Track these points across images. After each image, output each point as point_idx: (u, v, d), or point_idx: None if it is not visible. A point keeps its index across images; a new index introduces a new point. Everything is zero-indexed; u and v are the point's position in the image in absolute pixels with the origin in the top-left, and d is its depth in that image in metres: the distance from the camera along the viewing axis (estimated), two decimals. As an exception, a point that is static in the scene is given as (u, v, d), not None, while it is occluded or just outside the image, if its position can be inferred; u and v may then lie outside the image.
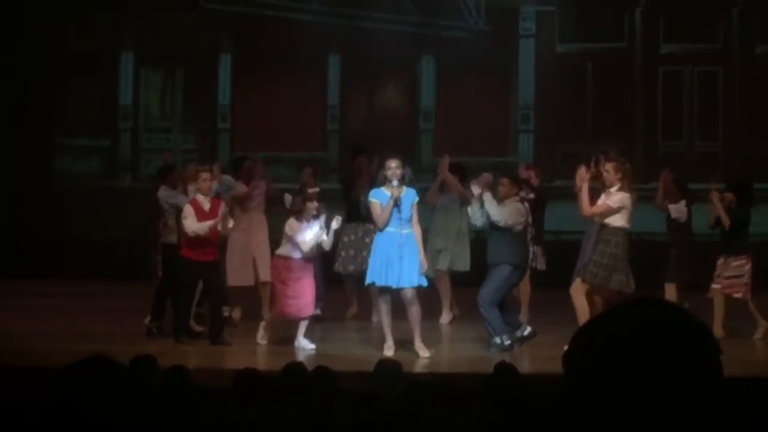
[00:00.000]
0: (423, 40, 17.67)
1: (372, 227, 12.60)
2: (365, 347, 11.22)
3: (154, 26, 17.79)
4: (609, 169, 11.09)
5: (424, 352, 10.75)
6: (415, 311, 10.76)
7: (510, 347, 11.02)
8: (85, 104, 17.87)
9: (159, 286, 11.95)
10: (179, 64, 18.06)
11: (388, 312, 10.84)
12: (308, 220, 11.24)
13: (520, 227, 11.24)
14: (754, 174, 13.29)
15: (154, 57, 18.05)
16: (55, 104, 17.81)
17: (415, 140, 17.42)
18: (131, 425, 2.79)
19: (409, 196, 10.84)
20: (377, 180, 11.26)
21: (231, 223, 11.61)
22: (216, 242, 11.52)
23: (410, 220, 10.80)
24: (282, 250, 11.40)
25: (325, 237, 11.28)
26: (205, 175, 11.56)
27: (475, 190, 11.16)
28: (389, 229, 10.78)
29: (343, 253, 13.05)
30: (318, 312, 12.50)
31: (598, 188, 11.65)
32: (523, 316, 12.80)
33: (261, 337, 11.43)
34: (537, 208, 12.36)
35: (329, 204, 12.54)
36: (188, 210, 11.38)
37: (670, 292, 11.80)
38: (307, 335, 11.28)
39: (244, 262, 12.69)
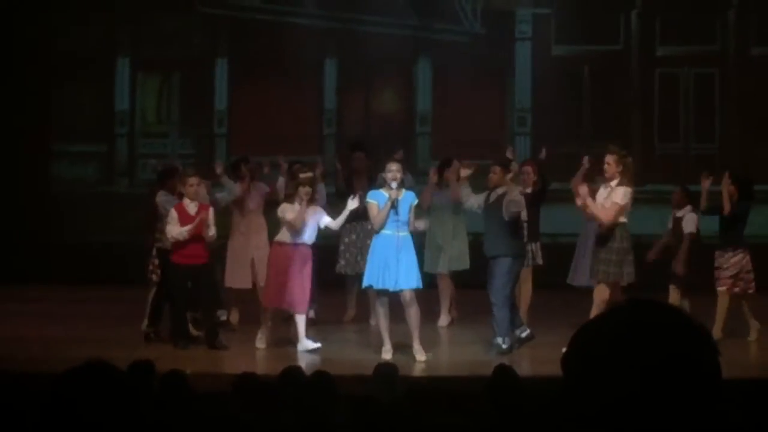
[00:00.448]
0: (419, 43, 17.68)
1: (370, 227, 12.61)
2: (363, 351, 11.22)
3: (150, 31, 17.79)
4: (610, 162, 11.04)
5: (421, 356, 10.74)
6: (413, 313, 10.75)
7: (509, 350, 11.03)
8: (82, 110, 17.86)
9: (156, 290, 11.95)
10: (175, 69, 18.06)
11: (386, 315, 10.84)
12: (301, 204, 11.20)
13: (522, 216, 11.37)
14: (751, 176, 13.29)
15: (151, 62, 18.05)
16: (52, 110, 17.80)
17: (412, 143, 17.42)
18: (129, 431, 2.78)
19: (407, 198, 10.85)
20: (377, 181, 11.23)
21: (212, 231, 11.46)
22: (204, 246, 11.47)
23: (407, 222, 10.81)
24: (280, 236, 11.40)
25: (327, 220, 11.24)
26: (192, 180, 11.54)
27: (464, 172, 11.26)
28: (386, 231, 10.80)
29: (347, 255, 13.02)
30: (311, 315, 12.53)
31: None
32: (522, 317, 12.81)
33: (259, 341, 11.42)
34: (533, 204, 12.35)
35: (329, 208, 12.54)
36: (172, 215, 11.40)
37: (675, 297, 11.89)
38: (309, 335, 11.27)
39: (242, 265, 12.68)
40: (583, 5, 17.40)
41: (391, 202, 10.70)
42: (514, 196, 11.15)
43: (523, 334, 11.27)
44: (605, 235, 10.98)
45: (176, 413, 6.17)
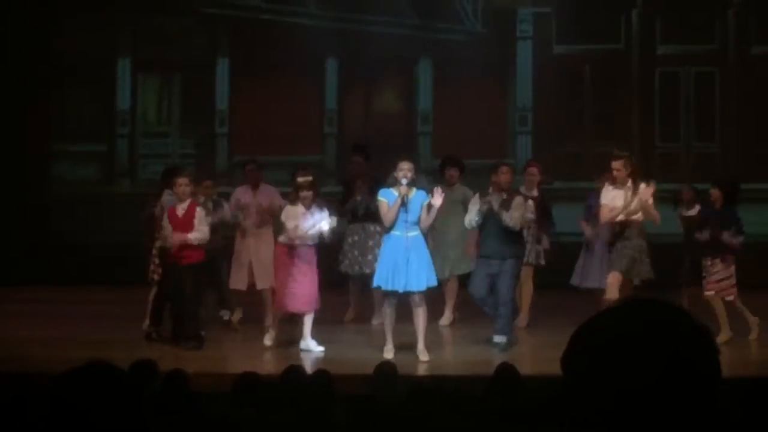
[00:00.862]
0: (421, 42, 17.66)
1: (373, 228, 12.60)
2: (364, 350, 11.22)
3: (151, 31, 17.78)
4: (619, 167, 11.15)
5: (424, 356, 10.74)
6: (421, 314, 10.76)
7: (510, 346, 11.14)
8: (83, 110, 17.87)
9: (157, 290, 11.97)
10: (176, 69, 18.05)
11: (392, 315, 10.83)
12: (307, 207, 11.21)
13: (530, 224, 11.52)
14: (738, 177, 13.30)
15: (152, 62, 18.04)
16: (52, 110, 17.80)
17: (413, 143, 17.42)
18: (131, 430, 2.79)
19: (418, 198, 10.80)
20: (388, 181, 11.14)
21: (199, 233, 11.40)
22: (194, 246, 11.46)
23: (417, 222, 10.77)
24: (282, 238, 11.42)
25: (326, 227, 11.22)
26: (181, 180, 11.54)
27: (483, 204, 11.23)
28: (395, 232, 10.76)
29: (349, 255, 13.00)
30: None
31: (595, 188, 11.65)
32: (524, 316, 12.84)
33: (269, 339, 11.41)
34: (540, 206, 12.40)
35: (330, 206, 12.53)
36: (165, 219, 11.44)
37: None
38: (313, 337, 11.28)
39: (240, 267, 12.69)
40: (583, 4, 17.40)
41: (400, 199, 10.67)
42: (526, 205, 11.33)
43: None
44: (631, 233, 11.11)
45: (177, 413, 6.18)
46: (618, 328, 1.95)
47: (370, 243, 12.78)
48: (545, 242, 12.91)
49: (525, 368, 9.46)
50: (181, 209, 11.43)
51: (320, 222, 11.14)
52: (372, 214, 12.55)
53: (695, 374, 1.91)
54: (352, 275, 13.07)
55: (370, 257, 12.63)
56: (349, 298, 13.27)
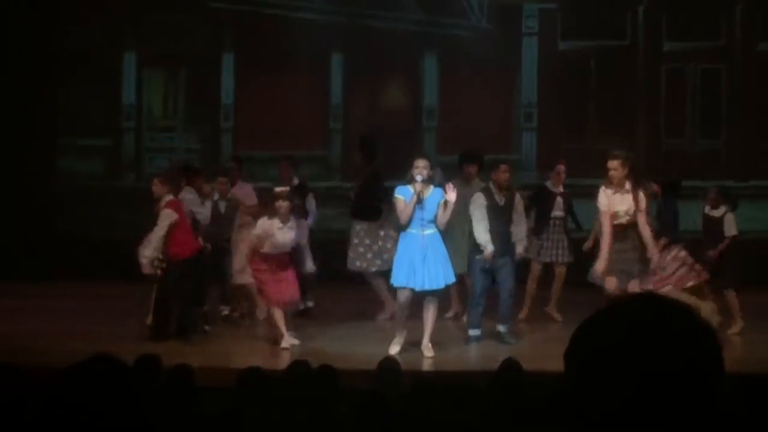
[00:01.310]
0: (426, 38, 17.66)
1: (359, 227, 12.65)
2: (369, 346, 11.21)
3: (156, 26, 17.79)
4: (616, 167, 10.80)
5: (429, 352, 10.75)
6: (431, 310, 10.78)
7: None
8: (88, 104, 17.88)
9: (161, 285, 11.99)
10: (182, 64, 18.06)
11: (405, 310, 10.81)
12: (283, 221, 11.17)
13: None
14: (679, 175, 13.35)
15: (157, 56, 18.05)
16: (58, 105, 17.81)
17: (418, 138, 17.41)
18: (136, 425, 2.79)
19: (435, 196, 10.78)
20: (406, 177, 11.08)
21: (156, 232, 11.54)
22: (188, 239, 11.54)
23: (434, 220, 10.75)
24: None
25: (290, 237, 11.21)
26: (221, 179, 12.01)
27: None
28: (411, 231, 10.74)
29: (360, 250, 12.94)
30: (310, 305, 12.65)
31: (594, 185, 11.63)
32: (525, 312, 12.91)
33: (286, 340, 11.36)
34: (567, 203, 12.82)
35: (336, 202, 12.58)
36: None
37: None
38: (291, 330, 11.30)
39: (237, 261, 12.71)
40: (589, 0, 17.39)
41: (416, 196, 10.65)
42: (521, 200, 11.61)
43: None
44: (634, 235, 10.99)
45: (182, 407, 6.19)
46: (620, 325, 1.95)
47: (367, 242, 12.82)
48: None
49: (530, 364, 9.47)
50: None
51: (300, 238, 11.21)
52: (359, 212, 12.69)
53: (698, 371, 1.92)
54: (365, 272, 13.05)
55: (369, 255, 12.69)
56: (379, 294, 13.09)
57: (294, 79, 17.52)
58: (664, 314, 1.97)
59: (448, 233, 12.36)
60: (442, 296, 11.25)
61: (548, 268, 13.13)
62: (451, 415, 5.83)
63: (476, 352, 11.13)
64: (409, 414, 5.89)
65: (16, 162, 17.32)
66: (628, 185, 10.80)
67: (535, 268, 13.05)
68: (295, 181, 13.23)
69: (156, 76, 18.25)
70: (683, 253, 11.59)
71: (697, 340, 1.95)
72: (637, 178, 11.02)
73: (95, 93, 17.92)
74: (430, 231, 10.73)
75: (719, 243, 12.00)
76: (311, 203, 13.26)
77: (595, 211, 11.31)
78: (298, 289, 11.36)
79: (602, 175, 11.76)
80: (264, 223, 11.22)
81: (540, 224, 12.98)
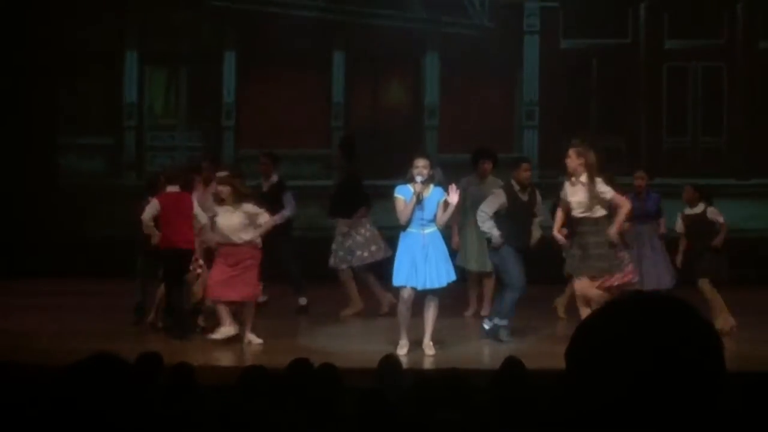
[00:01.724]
0: (427, 36, 17.66)
1: (357, 220, 12.70)
2: (368, 343, 11.21)
3: (158, 24, 17.79)
4: (571, 154, 10.86)
5: (430, 351, 10.75)
6: (432, 308, 10.77)
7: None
8: (90, 103, 17.89)
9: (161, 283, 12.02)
10: (183, 62, 18.06)
11: (408, 310, 10.80)
12: (230, 203, 11.25)
13: None
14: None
15: (159, 55, 18.06)
16: (60, 103, 17.82)
17: (420, 137, 17.41)
18: (137, 423, 2.79)
19: (435, 195, 10.78)
20: (406, 177, 11.06)
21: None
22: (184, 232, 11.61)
23: (434, 219, 10.75)
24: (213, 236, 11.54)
25: (236, 222, 11.26)
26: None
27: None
28: (411, 230, 10.73)
29: (346, 246, 13.02)
30: (303, 303, 12.76)
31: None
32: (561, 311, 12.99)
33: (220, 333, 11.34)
34: None
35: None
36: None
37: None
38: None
39: None
40: (591, -1, 17.41)
41: (416, 196, 10.65)
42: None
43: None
44: (597, 229, 10.88)
45: (183, 405, 6.19)
46: (621, 322, 1.95)
47: (340, 239, 12.90)
48: None
49: (533, 362, 9.46)
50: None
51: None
52: (336, 210, 12.74)
53: (699, 369, 1.92)
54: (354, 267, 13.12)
55: (340, 252, 12.81)
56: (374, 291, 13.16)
57: (295, 78, 17.52)
58: (665, 312, 1.96)
59: (469, 231, 12.39)
60: (446, 295, 11.24)
61: None
62: (453, 413, 5.82)
63: (478, 351, 11.12)
64: (410, 412, 5.89)
65: (16, 161, 17.32)
66: (583, 178, 10.78)
67: None
68: (274, 179, 13.33)
69: (157, 74, 18.25)
70: (622, 253, 11.48)
71: (698, 339, 1.95)
72: (596, 172, 10.89)
73: (96, 91, 17.93)
74: (431, 230, 10.72)
75: (706, 239, 11.95)
76: (289, 200, 13.30)
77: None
78: (248, 289, 11.30)
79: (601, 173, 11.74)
80: (218, 210, 11.34)
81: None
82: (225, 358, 10.67)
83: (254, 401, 6.20)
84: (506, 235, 11.36)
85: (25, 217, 17.05)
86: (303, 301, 13.23)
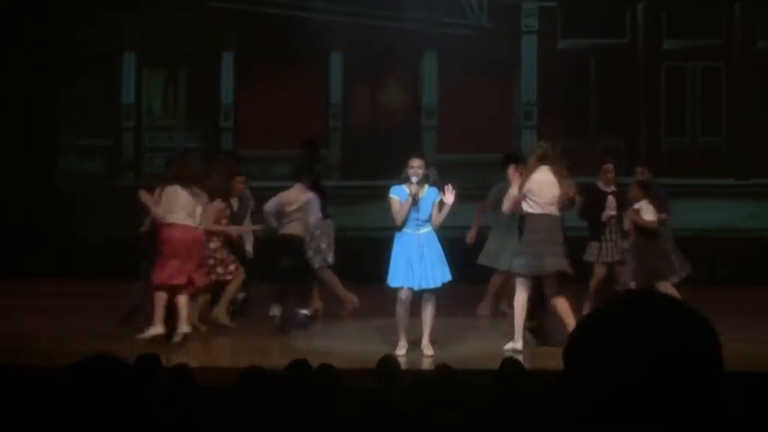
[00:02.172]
0: (425, 37, 17.66)
1: (325, 222, 12.71)
2: (366, 344, 11.20)
3: (156, 25, 17.80)
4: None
5: (428, 351, 10.74)
6: (429, 308, 10.76)
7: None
8: (88, 103, 17.89)
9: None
10: (182, 63, 18.07)
11: (406, 313, 10.79)
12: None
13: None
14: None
15: (157, 56, 18.06)
16: (58, 104, 17.82)
17: (418, 137, 17.42)
18: (137, 423, 2.80)
19: (430, 195, 10.78)
20: (401, 177, 11.03)
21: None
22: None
23: (429, 220, 10.75)
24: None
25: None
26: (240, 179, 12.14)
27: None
28: (406, 230, 10.73)
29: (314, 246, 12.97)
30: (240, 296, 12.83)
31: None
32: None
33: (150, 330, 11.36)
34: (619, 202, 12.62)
35: (335, 201, 12.62)
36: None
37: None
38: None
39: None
40: (589, -1, 17.43)
41: (411, 197, 10.65)
42: None
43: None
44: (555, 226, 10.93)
45: (182, 406, 6.19)
46: (619, 321, 1.95)
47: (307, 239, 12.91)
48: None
49: (534, 362, 9.48)
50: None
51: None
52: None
53: (695, 367, 1.92)
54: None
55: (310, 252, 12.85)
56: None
57: (294, 78, 17.53)
58: (664, 312, 1.97)
59: (502, 231, 12.32)
60: (443, 295, 11.24)
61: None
62: (452, 413, 5.83)
63: (477, 351, 11.11)
64: (409, 413, 5.89)
65: (16, 161, 17.32)
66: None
67: (599, 271, 12.66)
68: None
69: (156, 75, 18.26)
70: None
71: (696, 338, 1.95)
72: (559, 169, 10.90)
73: (95, 92, 17.93)
74: (426, 230, 10.73)
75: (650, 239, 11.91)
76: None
77: None
78: (181, 277, 11.24)
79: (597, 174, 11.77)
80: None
81: (597, 226, 12.72)
82: (224, 359, 10.67)
83: (254, 401, 6.20)
84: None
85: (24, 217, 17.05)
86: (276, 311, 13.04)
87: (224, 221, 12.19)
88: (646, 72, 17.54)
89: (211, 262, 11.92)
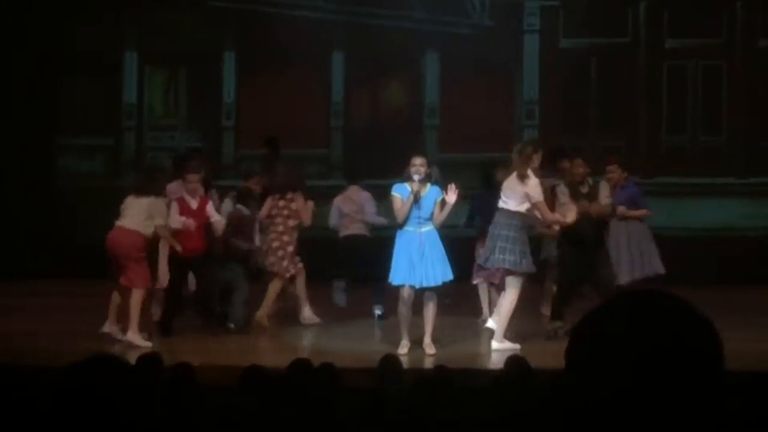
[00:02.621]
0: (427, 36, 17.66)
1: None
2: (368, 344, 11.21)
3: (158, 25, 17.80)
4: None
5: (430, 350, 10.74)
6: (431, 308, 10.76)
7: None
8: (89, 103, 17.89)
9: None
10: (183, 62, 18.07)
11: (408, 311, 10.78)
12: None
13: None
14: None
15: (158, 55, 18.07)
16: (59, 103, 17.82)
17: (420, 136, 17.42)
18: (138, 423, 2.80)
19: (432, 194, 10.78)
20: (403, 175, 10.99)
21: (215, 217, 11.70)
22: (199, 238, 11.60)
23: (430, 218, 10.75)
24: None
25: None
26: (191, 177, 11.78)
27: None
28: (408, 228, 10.72)
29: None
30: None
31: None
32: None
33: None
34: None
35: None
36: (173, 207, 11.60)
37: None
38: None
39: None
40: (590, -2, 17.42)
41: (413, 195, 10.64)
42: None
43: None
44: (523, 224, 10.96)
45: (184, 406, 6.19)
46: (620, 320, 1.95)
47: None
48: None
49: (536, 361, 9.46)
50: (193, 203, 11.70)
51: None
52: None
53: (697, 366, 1.91)
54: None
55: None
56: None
57: (295, 78, 17.53)
58: (665, 310, 1.96)
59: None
60: (445, 294, 11.24)
61: None
62: (453, 413, 5.83)
63: (478, 350, 11.11)
64: (410, 412, 5.89)
65: (16, 161, 17.33)
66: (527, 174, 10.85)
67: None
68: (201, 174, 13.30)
69: (157, 74, 18.26)
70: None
71: (697, 336, 1.95)
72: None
73: (96, 92, 17.93)
74: (427, 228, 10.73)
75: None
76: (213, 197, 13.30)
77: None
78: (137, 277, 11.36)
79: (602, 172, 11.76)
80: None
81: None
82: (225, 358, 10.67)
83: (254, 401, 6.20)
84: None
85: (25, 217, 17.05)
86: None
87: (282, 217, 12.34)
88: (647, 71, 17.54)
89: (280, 253, 12.15)
